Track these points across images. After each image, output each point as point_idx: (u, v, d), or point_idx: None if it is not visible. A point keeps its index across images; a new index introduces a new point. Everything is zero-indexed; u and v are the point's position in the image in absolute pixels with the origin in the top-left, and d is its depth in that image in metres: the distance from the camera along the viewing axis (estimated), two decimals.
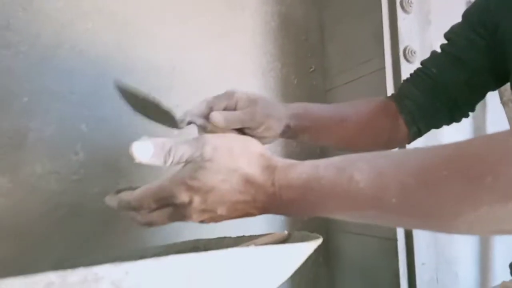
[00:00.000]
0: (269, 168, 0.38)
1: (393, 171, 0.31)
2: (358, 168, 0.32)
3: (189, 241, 0.51)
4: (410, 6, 0.85)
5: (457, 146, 0.30)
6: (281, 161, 0.39)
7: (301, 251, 0.32)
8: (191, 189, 0.36)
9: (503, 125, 1.03)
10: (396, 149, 0.79)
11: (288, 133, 0.58)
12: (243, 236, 0.45)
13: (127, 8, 0.78)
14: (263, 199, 0.37)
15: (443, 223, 0.29)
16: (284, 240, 0.40)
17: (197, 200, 0.36)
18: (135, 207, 0.39)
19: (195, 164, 0.37)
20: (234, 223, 0.84)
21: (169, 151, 0.38)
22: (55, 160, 0.69)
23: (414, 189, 0.29)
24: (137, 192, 0.39)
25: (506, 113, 1.03)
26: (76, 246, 0.70)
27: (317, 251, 0.36)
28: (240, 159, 0.37)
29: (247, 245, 0.37)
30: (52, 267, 0.49)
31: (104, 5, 0.76)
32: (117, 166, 0.74)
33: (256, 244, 0.38)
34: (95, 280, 0.22)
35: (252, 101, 0.55)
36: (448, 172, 0.28)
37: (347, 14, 0.95)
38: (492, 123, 1.05)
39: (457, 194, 0.27)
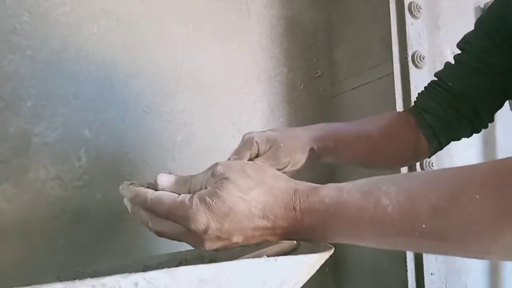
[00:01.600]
0: (288, 191, 0.36)
1: (423, 194, 0.29)
2: (385, 192, 0.31)
3: (195, 250, 0.50)
4: (419, 11, 0.84)
5: (492, 164, 0.28)
6: (301, 184, 0.36)
7: (314, 262, 0.31)
8: (208, 208, 0.33)
9: None
10: (422, 170, 0.79)
11: (312, 156, 0.56)
12: (250, 245, 0.44)
13: (133, 12, 0.78)
14: (283, 225, 0.34)
15: (479, 248, 0.27)
16: (292, 250, 0.39)
17: (213, 226, 0.33)
18: (149, 208, 0.37)
19: (212, 183, 0.35)
20: None
21: (188, 179, 0.38)
22: (59, 166, 0.69)
23: (447, 212, 0.27)
24: (156, 194, 0.37)
25: None
26: (79, 252, 0.69)
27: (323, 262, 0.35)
28: (254, 178, 0.36)
29: (257, 255, 0.35)
30: (55, 273, 0.48)
31: (110, 9, 0.76)
32: (121, 172, 0.74)
33: (266, 254, 0.36)
34: None
35: (273, 141, 0.53)
36: (485, 191, 0.26)
37: (354, 19, 0.94)
38: (502, 133, 1.03)
39: (494, 216, 0.25)
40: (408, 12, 0.83)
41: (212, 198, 0.33)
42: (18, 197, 0.65)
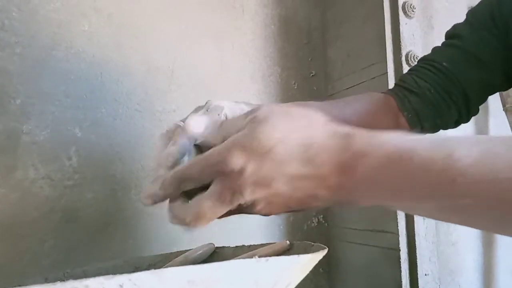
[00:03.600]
0: (341, 133, 0.30)
1: (503, 150, 0.24)
2: (461, 144, 0.26)
3: (186, 251, 0.49)
4: (413, 11, 0.84)
5: None
6: (356, 128, 0.31)
7: (307, 262, 0.30)
8: (244, 149, 0.29)
9: (506, 132, 1.01)
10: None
11: None
12: (242, 246, 0.43)
13: (125, 9, 0.77)
14: (332, 173, 0.29)
15: None
16: (285, 251, 0.38)
17: (250, 166, 0.29)
18: (185, 178, 0.33)
19: (249, 125, 0.31)
20: (230, 233, 0.83)
21: (222, 123, 0.35)
22: (49, 165, 0.67)
23: None
24: (187, 162, 0.34)
25: (508, 119, 1.02)
26: (69, 253, 0.67)
27: (316, 262, 0.34)
28: (301, 120, 0.31)
29: (249, 256, 0.35)
30: (44, 274, 0.47)
31: (101, 6, 0.74)
32: (112, 171, 0.72)
33: (258, 255, 0.36)
34: None
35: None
36: None
37: (349, 18, 0.94)
38: (494, 129, 1.04)
39: None
40: (402, 12, 0.83)
41: (249, 139, 0.30)
42: (6, 197, 0.63)
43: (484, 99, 0.58)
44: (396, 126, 0.54)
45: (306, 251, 0.33)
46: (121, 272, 0.22)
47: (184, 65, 0.82)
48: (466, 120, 0.59)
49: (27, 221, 0.65)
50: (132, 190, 0.74)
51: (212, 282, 0.22)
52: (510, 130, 1.02)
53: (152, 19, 0.80)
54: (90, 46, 0.73)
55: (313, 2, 1.01)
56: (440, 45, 0.59)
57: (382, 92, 0.58)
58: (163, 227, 0.76)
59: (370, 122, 0.53)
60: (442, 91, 0.54)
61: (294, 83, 0.96)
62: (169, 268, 0.20)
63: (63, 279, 0.40)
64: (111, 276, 0.19)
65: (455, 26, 0.60)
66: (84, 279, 0.19)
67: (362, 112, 0.53)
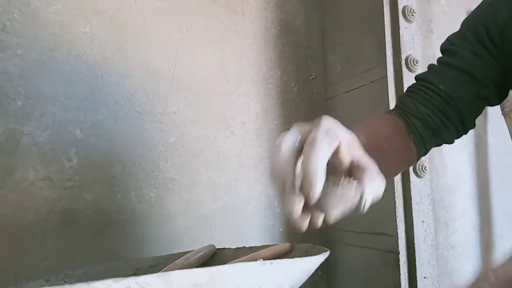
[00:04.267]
0: None
1: None
2: None
3: (187, 252, 0.49)
4: (412, 15, 0.84)
5: None
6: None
7: (310, 265, 0.30)
8: None
9: (504, 137, 1.02)
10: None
11: None
12: (243, 248, 0.43)
13: (126, 12, 0.77)
14: None
15: None
16: (287, 253, 0.38)
17: None
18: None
19: None
20: (230, 235, 0.83)
21: None
22: (49, 166, 0.67)
23: None
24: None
25: (507, 123, 1.03)
26: (68, 255, 0.67)
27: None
28: None
29: (252, 258, 0.35)
30: (44, 276, 0.46)
31: (103, 8, 0.75)
32: (111, 173, 0.72)
33: (260, 257, 0.36)
34: None
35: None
36: None
37: (348, 22, 0.94)
38: (493, 134, 1.04)
39: None
40: (402, 16, 0.83)
41: None
42: (5, 199, 0.63)
43: (479, 113, 0.60)
44: (407, 147, 0.56)
45: (307, 253, 0.33)
46: (122, 274, 0.22)
47: (184, 68, 0.82)
48: (464, 134, 0.61)
49: (26, 223, 0.65)
50: (132, 192, 0.74)
51: (217, 285, 0.22)
52: (509, 134, 1.02)
53: (153, 22, 0.80)
54: (91, 48, 0.73)
55: (312, 6, 1.02)
56: (436, 61, 0.61)
57: (389, 113, 0.59)
58: (163, 229, 0.76)
59: (397, 146, 0.55)
60: (441, 114, 0.56)
61: (294, 86, 0.97)
62: (176, 271, 0.20)
63: (64, 280, 0.40)
64: (119, 278, 0.19)
65: (450, 40, 0.61)
66: (92, 281, 0.19)
67: (390, 137, 0.55)
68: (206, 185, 0.82)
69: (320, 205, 0.32)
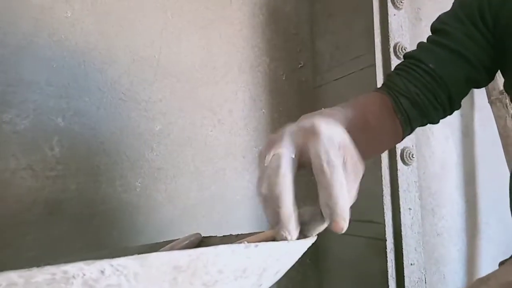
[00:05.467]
0: None
1: None
2: None
3: (173, 241, 0.48)
4: (401, 2, 0.83)
5: None
6: None
7: (296, 249, 0.29)
8: None
9: (491, 124, 1.03)
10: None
11: None
12: (230, 235, 0.43)
13: None
14: None
15: None
16: (274, 239, 0.37)
17: None
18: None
19: None
20: (217, 225, 0.82)
21: None
22: (30, 155, 0.65)
23: None
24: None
25: (494, 112, 1.04)
26: (53, 246, 0.66)
27: (304, 252, 0.33)
28: None
29: (239, 243, 0.34)
30: (28, 267, 0.45)
31: None
32: (96, 162, 0.71)
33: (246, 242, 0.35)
34: (65, 280, 0.19)
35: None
36: None
37: (337, 10, 0.93)
38: (480, 123, 1.05)
39: None
40: (390, 3, 0.83)
41: None
42: None
43: (465, 94, 0.60)
44: (394, 126, 0.55)
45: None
46: None
47: (170, 55, 0.80)
48: (449, 114, 0.60)
49: (8, 213, 0.63)
50: (117, 181, 0.72)
51: (198, 268, 0.21)
52: (495, 123, 1.03)
53: (137, 7, 0.78)
54: (73, 34, 0.71)
55: None
56: (426, 40, 0.60)
57: (377, 91, 0.58)
58: (149, 218, 0.75)
59: (383, 123, 0.54)
60: (429, 94, 0.55)
61: (283, 74, 0.96)
62: (154, 254, 0.19)
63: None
64: (91, 261, 0.18)
65: (442, 19, 0.60)
66: (63, 264, 0.18)
67: (378, 114, 0.54)
68: (193, 174, 0.81)
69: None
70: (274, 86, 0.94)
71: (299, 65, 0.98)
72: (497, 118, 1.03)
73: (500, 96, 1.01)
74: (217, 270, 0.22)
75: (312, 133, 0.32)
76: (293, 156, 0.32)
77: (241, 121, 0.88)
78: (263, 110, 0.92)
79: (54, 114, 0.68)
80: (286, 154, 0.31)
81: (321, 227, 0.32)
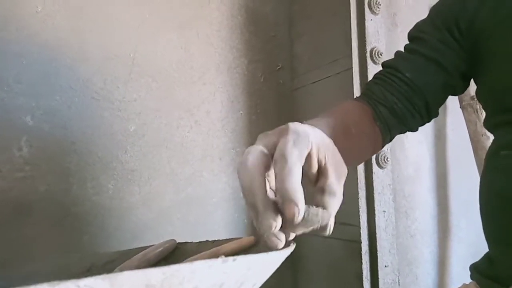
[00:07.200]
0: None
1: None
2: None
3: (146, 247, 0.46)
4: (378, 7, 0.84)
5: None
6: None
7: (275, 260, 0.29)
8: None
9: (462, 129, 1.05)
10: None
11: None
12: (206, 241, 0.42)
13: None
14: None
15: None
16: (251, 246, 0.37)
17: None
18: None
19: None
20: (193, 228, 0.81)
21: None
22: None
23: None
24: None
25: (465, 117, 1.06)
26: (22, 249, 0.63)
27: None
28: None
29: (213, 253, 0.33)
30: None
31: None
32: (66, 163, 0.68)
33: (223, 252, 0.34)
34: None
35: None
36: None
37: (315, 13, 0.93)
38: (452, 127, 1.07)
39: None
40: (368, 8, 0.83)
41: None
42: None
43: (443, 102, 0.61)
44: (374, 133, 0.56)
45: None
46: (77, 270, 0.19)
47: (146, 53, 0.78)
48: (428, 122, 0.61)
49: None
50: (88, 183, 0.70)
51: (173, 285, 0.20)
52: (466, 127, 1.06)
53: (112, 3, 0.75)
54: (44, 29, 0.68)
55: None
56: (403, 48, 0.61)
57: (356, 100, 0.59)
58: (122, 222, 0.73)
59: (364, 131, 0.55)
60: (407, 102, 0.56)
61: (261, 76, 0.95)
62: (125, 272, 0.18)
63: (9, 282, 0.37)
64: (56, 282, 0.17)
65: (418, 27, 0.60)
66: (25, 286, 0.17)
67: (358, 122, 0.54)
68: (168, 176, 0.79)
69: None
70: (252, 88, 0.93)
71: (278, 67, 0.98)
72: (468, 122, 1.06)
73: (471, 102, 1.04)
74: (193, 286, 0.21)
75: (283, 130, 0.33)
76: (266, 151, 0.32)
77: (218, 123, 0.87)
78: (241, 112, 0.91)
79: (23, 112, 0.65)
80: (256, 148, 0.32)
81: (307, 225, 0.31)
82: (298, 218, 0.29)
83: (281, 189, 0.29)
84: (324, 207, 0.32)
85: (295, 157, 0.30)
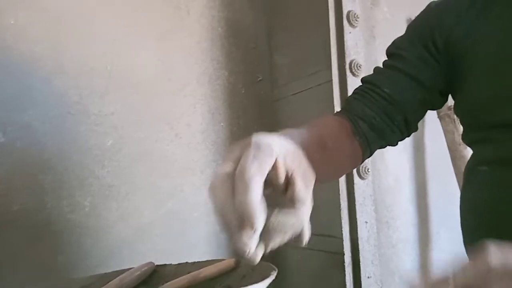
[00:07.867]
0: None
1: None
2: None
3: (123, 271, 0.45)
4: (356, 20, 0.85)
5: None
6: None
7: None
8: None
9: (440, 140, 1.07)
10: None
11: None
12: (186, 263, 0.41)
13: (59, 3, 0.71)
14: None
15: None
16: (231, 269, 0.36)
17: None
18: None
19: None
20: (172, 247, 0.79)
21: None
22: None
23: None
24: None
25: (443, 127, 1.08)
26: None
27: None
28: None
29: (194, 276, 0.32)
30: None
31: None
32: (40, 181, 0.66)
33: (203, 274, 0.33)
34: None
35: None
36: None
37: (295, 25, 0.94)
38: (430, 137, 1.09)
39: None
40: (346, 21, 0.84)
41: None
42: None
43: (422, 116, 0.62)
44: (353, 148, 0.56)
45: (254, 270, 0.31)
46: None
47: (123, 66, 0.77)
48: (407, 136, 0.62)
49: None
50: (64, 200, 0.68)
51: None
52: (444, 137, 1.08)
53: (89, 15, 0.74)
54: (18, 42, 0.66)
55: (260, 7, 1.00)
56: (382, 64, 0.62)
57: (336, 115, 0.59)
58: (98, 240, 0.70)
59: (341, 145, 0.55)
60: (386, 117, 0.57)
61: (242, 88, 0.95)
62: None
63: None
64: None
65: (396, 44, 0.61)
66: None
67: (335, 136, 0.54)
68: (148, 191, 0.77)
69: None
70: (233, 100, 0.92)
71: (258, 79, 0.98)
72: (446, 132, 1.08)
73: (448, 112, 1.06)
74: None
75: (246, 144, 0.33)
76: (232, 170, 0.32)
77: (199, 135, 0.86)
78: (222, 124, 0.90)
79: None
80: (222, 170, 0.32)
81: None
82: (256, 234, 0.29)
83: (238, 208, 0.30)
84: (294, 215, 0.32)
85: (254, 171, 0.30)
